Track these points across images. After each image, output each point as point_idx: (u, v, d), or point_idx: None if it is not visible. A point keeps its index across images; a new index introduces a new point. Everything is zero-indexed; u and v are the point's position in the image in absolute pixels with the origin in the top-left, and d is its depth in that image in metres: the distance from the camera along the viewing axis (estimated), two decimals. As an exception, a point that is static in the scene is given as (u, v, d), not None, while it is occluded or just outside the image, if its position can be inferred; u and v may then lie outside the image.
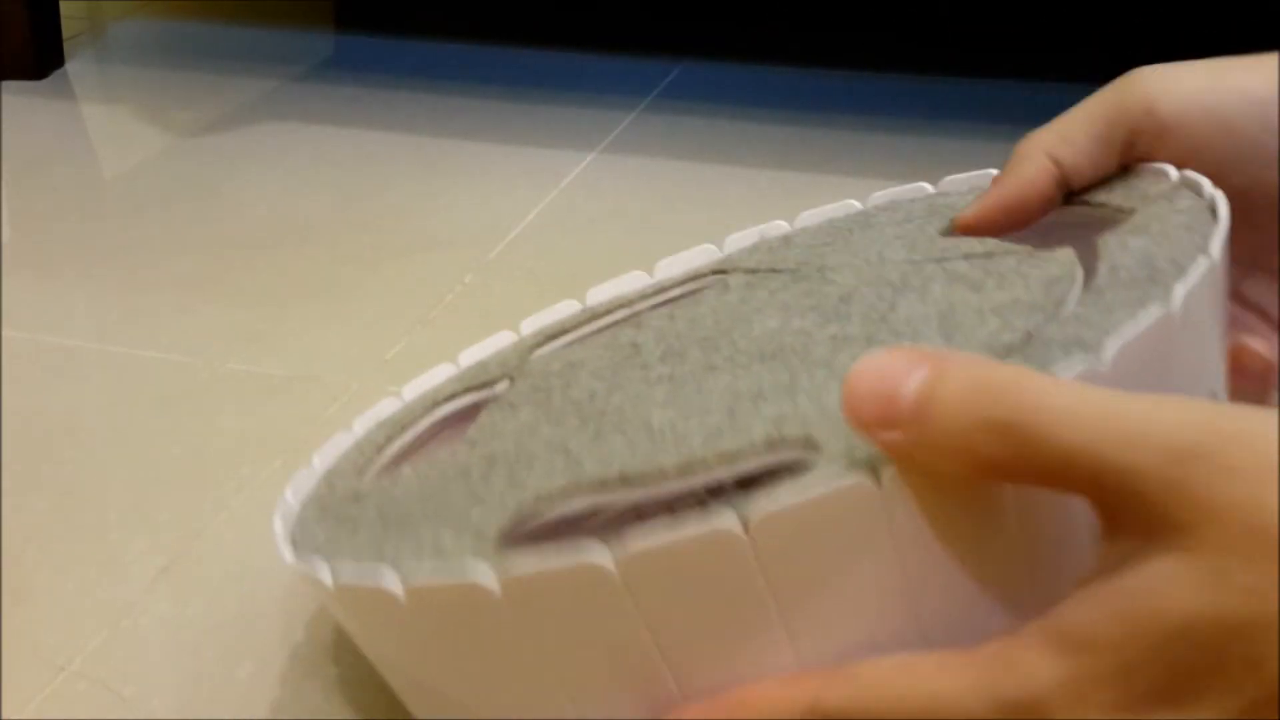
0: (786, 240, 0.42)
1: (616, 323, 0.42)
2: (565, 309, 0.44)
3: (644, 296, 0.43)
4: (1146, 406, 0.23)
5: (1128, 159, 0.36)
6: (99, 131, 0.85)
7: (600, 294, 0.44)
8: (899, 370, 0.25)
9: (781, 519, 0.25)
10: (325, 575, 0.30)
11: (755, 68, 0.93)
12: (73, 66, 0.96)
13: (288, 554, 0.33)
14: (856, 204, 0.44)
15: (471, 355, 0.43)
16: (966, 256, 0.35)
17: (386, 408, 0.41)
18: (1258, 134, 0.34)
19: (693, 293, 0.42)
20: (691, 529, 0.25)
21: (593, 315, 0.43)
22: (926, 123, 0.82)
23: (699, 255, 0.44)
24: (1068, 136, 0.36)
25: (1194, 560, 0.22)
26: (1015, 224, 0.37)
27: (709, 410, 0.31)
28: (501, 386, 0.40)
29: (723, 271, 0.42)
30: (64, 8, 0.95)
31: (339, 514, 0.35)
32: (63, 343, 0.59)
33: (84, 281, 0.65)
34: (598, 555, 0.26)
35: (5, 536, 0.46)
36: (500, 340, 0.43)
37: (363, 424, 0.41)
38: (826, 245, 0.40)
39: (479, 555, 0.29)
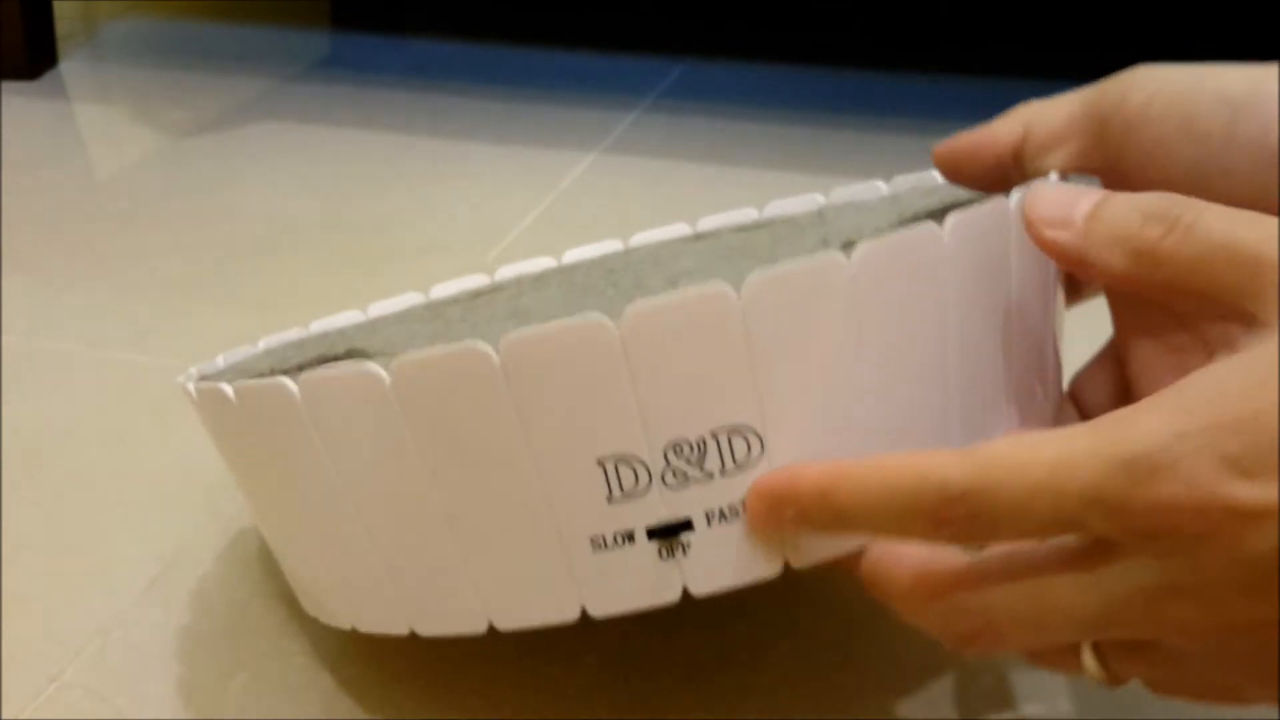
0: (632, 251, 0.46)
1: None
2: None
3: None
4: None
5: (1101, 149, 0.35)
6: (93, 132, 0.85)
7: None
8: (1078, 192, 0.29)
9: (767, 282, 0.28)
10: (190, 388, 0.35)
11: (757, 67, 0.93)
12: (66, 66, 0.95)
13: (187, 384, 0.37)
14: (820, 198, 0.44)
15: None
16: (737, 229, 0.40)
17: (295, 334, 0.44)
18: (1222, 138, 0.32)
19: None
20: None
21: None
22: (929, 122, 0.81)
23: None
24: (1047, 112, 0.36)
25: None
26: (966, 171, 0.38)
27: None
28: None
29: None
30: (57, 7, 0.95)
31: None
32: (54, 347, 0.59)
33: (76, 285, 0.64)
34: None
35: (-4, 543, 0.46)
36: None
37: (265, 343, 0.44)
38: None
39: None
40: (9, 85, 0.90)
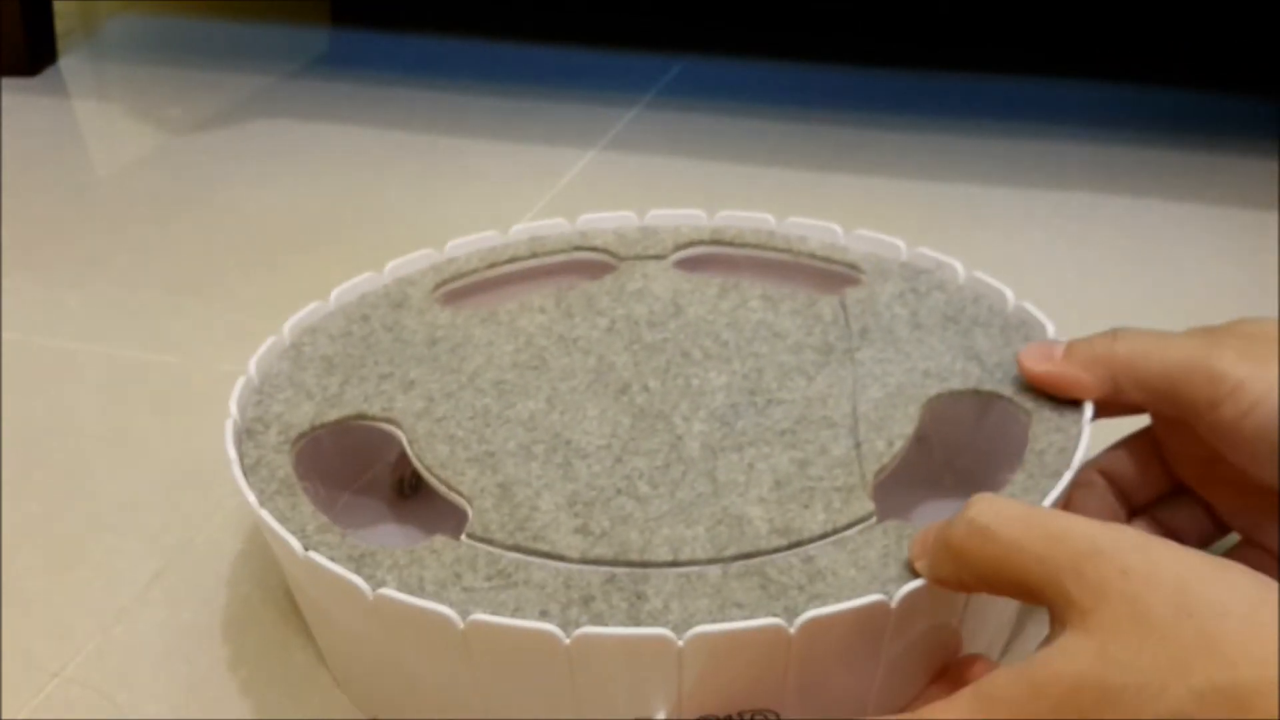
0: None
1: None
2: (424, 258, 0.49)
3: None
4: (1066, 518, 0.30)
5: (1175, 428, 0.40)
6: (92, 129, 0.85)
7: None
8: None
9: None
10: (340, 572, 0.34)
11: (757, 64, 0.93)
12: (65, 63, 0.95)
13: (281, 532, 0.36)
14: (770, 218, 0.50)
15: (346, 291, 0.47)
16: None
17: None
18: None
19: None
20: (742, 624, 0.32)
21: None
22: (928, 119, 0.81)
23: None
24: (1137, 367, 0.38)
25: (1088, 636, 0.28)
26: (1048, 391, 0.40)
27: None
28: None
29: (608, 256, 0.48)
30: (57, 4, 0.95)
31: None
32: (55, 344, 0.59)
33: (77, 282, 0.64)
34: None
35: (-3, 540, 0.46)
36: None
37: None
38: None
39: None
40: (8, 82, 0.90)
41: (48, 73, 0.93)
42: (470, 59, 0.95)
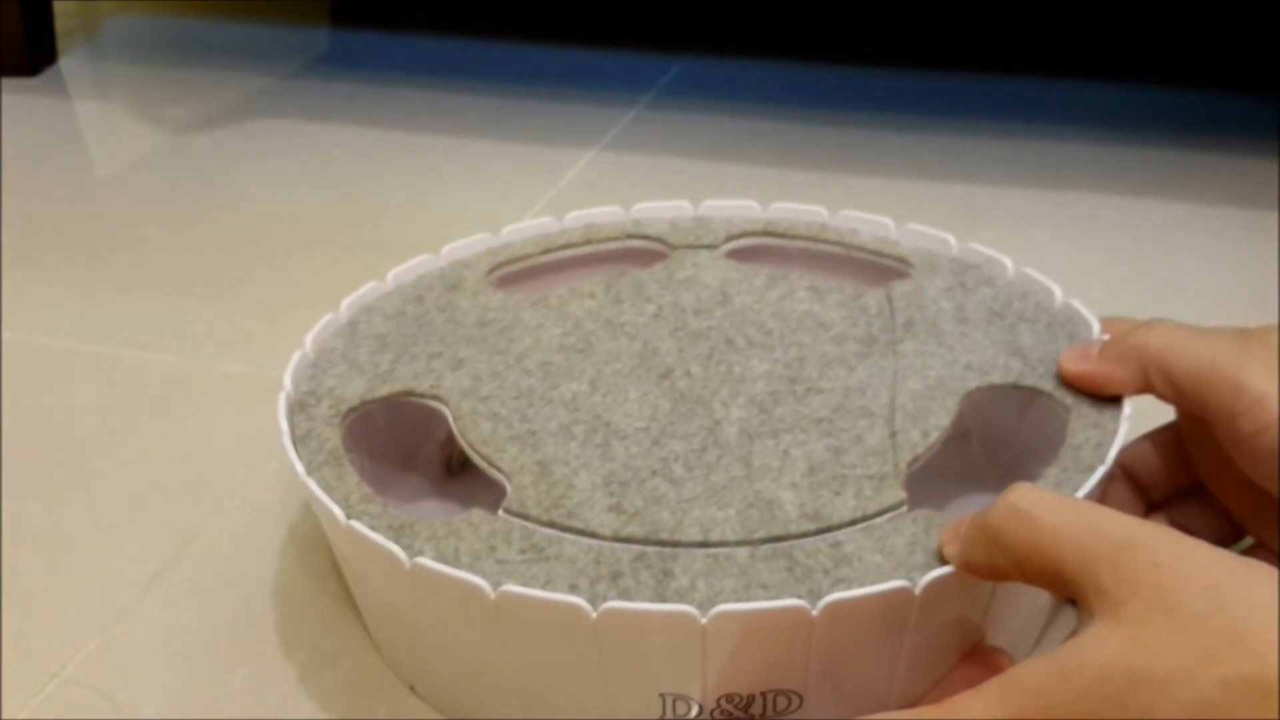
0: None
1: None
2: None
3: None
4: (1100, 512, 0.31)
5: (1200, 437, 0.40)
6: (92, 129, 0.85)
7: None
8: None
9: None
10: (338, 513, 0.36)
11: (757, 64, 0.93)
12: (66, 63, 0.95)
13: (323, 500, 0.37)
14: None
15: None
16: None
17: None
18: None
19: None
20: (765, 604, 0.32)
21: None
22: (928, 119, 0.82)
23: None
24: (1168, 364, 0.38)
25: (1119, 625, 0.28)
26: (1083, 389, 0.41)
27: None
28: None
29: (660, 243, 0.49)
30: (57, 4, 0.95)
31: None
32: (56, 344, 0.59)
33: (77, 282, 0.64)
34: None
35: (-3, 540, 0.46)
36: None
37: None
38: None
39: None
40: (9, 82, 0.90)
41: (48, 73, 0.93)
42: (470, 59, 0.95)
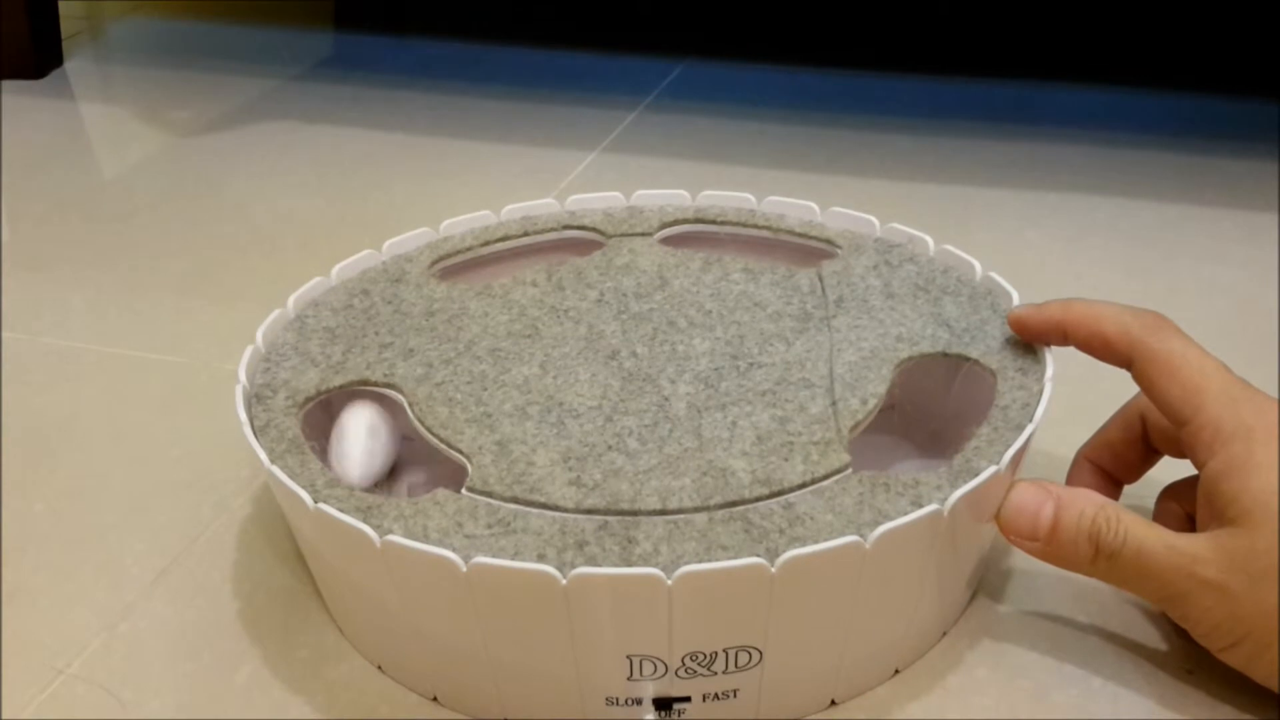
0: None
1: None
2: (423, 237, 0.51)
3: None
4: (1197, 545, 0.35)
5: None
6: (97, 131, 0.85)
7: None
8: (1038, 505, 0.37)
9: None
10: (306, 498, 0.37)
11: (757, 67, 0.93)
12: (71, 66, 0.96)
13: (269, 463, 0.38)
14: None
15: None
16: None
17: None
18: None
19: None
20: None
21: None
22: (928, 122, 0.82)
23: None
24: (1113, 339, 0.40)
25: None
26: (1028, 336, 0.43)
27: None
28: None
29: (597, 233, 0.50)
30: (63, 7, 0.95)
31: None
32: (61, 344, 0.59)
33: (82, 282, 0.65)
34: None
35: (4, 538, 0.46)
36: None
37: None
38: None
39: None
40: (14, 85, 0.91)
41: (54, 76, 0.93)
42: (472, 62, 0.95)
